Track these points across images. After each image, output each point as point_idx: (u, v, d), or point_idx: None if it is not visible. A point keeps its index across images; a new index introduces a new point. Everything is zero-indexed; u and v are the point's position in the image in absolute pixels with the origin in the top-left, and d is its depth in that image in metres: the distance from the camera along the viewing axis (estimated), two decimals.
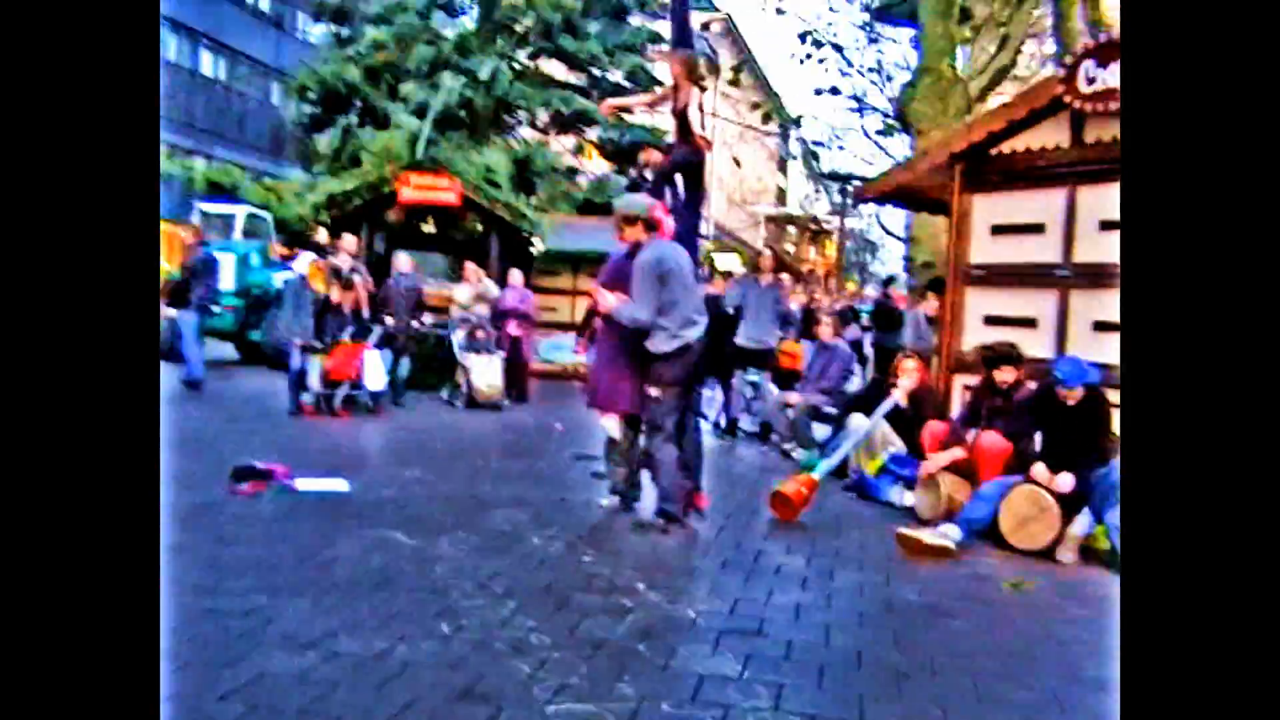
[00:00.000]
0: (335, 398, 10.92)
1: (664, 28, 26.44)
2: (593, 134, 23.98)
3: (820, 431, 9.83)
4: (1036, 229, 7.41)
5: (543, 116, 23.09)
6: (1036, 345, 7.14)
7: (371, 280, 12.33)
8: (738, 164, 33.18)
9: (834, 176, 26.36)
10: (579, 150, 24.46)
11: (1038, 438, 6.42)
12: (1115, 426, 6.39)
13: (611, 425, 6.66)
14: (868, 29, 19.78)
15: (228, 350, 16.64)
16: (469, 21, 22.65)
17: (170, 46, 28.22)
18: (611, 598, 4.65)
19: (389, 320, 12.05)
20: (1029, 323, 7.39)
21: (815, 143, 28.02)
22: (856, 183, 26.86)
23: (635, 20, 24.08)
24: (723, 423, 10.89)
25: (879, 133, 19.37)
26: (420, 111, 19.15)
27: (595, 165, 24.89)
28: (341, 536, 5.47)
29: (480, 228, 14.89)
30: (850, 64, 18.98)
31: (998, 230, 7.71)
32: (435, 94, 19.13)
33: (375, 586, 4.58)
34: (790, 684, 3.70)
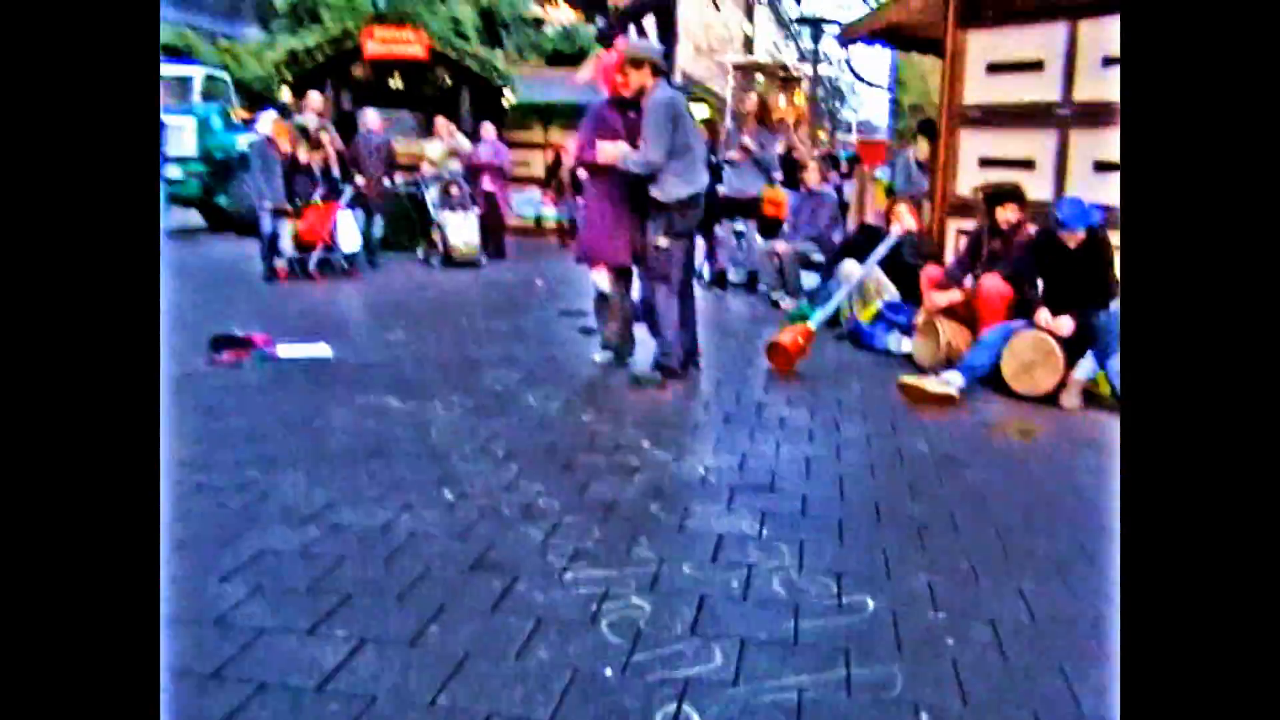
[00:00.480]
0: (309, 261, 10.63)
1: None
2: None
3: (808, 280, 9.66)
4: (1035, 66, 7.08)
5: None
6: (1035, 187, 6.89)
7: (339, 139, 11.88)
8: (716, 7, 32.14)
9: (806, 21, 25.52)
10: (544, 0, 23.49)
11: (1039, 282, 6.26)
12: (1118, 269, 6.25)
13: (602, 279, 6.45)
14: None
15: (194, 217, 16.18)
16: None
17: None
18: (616, 457, 4.51)
19: (360, 180, 11.66)
20: (1027, 164, 7.13)
21: None
22: (831, 26, 26.24)
23: None
24: (709, 274, 10.68)
25: None
26: None
27: (562, 14, 23.99)
28: (330, 404, 5.29)
29: (449, 81, 14.35)
30: None
31: (994, 69, 7.38)
32: None
33: (371, 454, 4.42)
34: (810, 541, 3.58)
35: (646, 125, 5.82)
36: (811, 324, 6.82)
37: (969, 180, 7.57)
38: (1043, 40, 7.03)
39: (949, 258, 7.74)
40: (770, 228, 10.72)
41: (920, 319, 6.82)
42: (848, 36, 9.35)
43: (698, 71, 38.18)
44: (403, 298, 9.59)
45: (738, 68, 26.16)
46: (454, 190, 12.58)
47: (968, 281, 6.87)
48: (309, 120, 11.44)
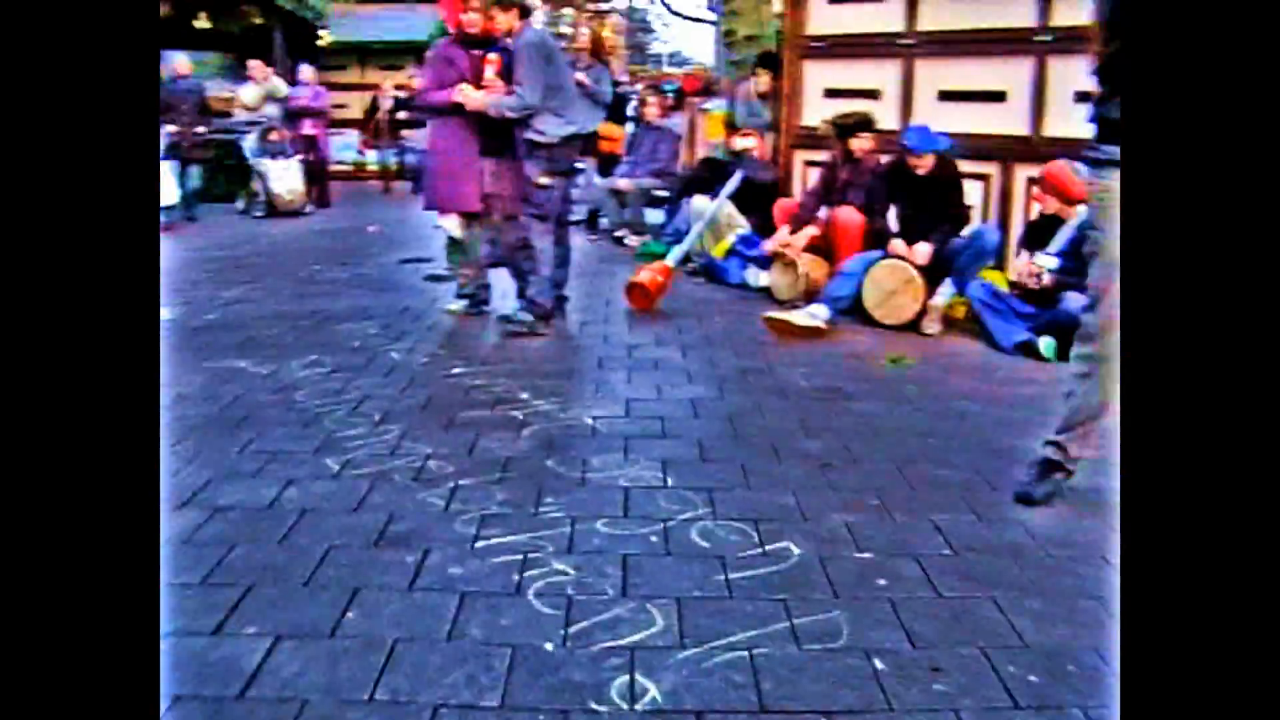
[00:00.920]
0: None
1: None
2: None
3: (652, 216, 9.57)
4: None
5: None
6: (882, 117, 6.93)
7: None
8: None
9: None
10: None
11: (893, 211, 6.33)
12: (968, 195, 6.37)
13: (452, 225, 6.22)
14: None
15: None
16: None
17: None
18: (499, 410, 4.33)
19: (171, 128, 10.92)
20: (872, 94, 7.17)
21: None
22: None
23: None
24: None
25: None
26: None
27: None
28: (180, 370, 4.90)
29: (260, 20, 13.54)
30: None
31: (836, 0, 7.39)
32: None
33: (238, 424, 4.11)
34: (717, 488, 3.50)
35: (521, 67, 5.58)
36: (669, 261, 6.74)
37: (815, 112, 7.57)
38: None
39: (795, 188, 7.76)
40: (607, 164, 10.54)
41: (776, 248, 6.79)
42: None
43: None
44: (230, 251, 9.06)
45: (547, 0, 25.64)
46: (273, 136, 11.94)
47: (822, 212, 6.90)
48: None
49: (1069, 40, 5.85)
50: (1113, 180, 3.12)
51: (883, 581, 2.84)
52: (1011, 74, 6.47)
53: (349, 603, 2.63)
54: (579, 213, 10.54)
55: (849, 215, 6.52)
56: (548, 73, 5.60)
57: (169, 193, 10.44)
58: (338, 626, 2.51)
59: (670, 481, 3.55)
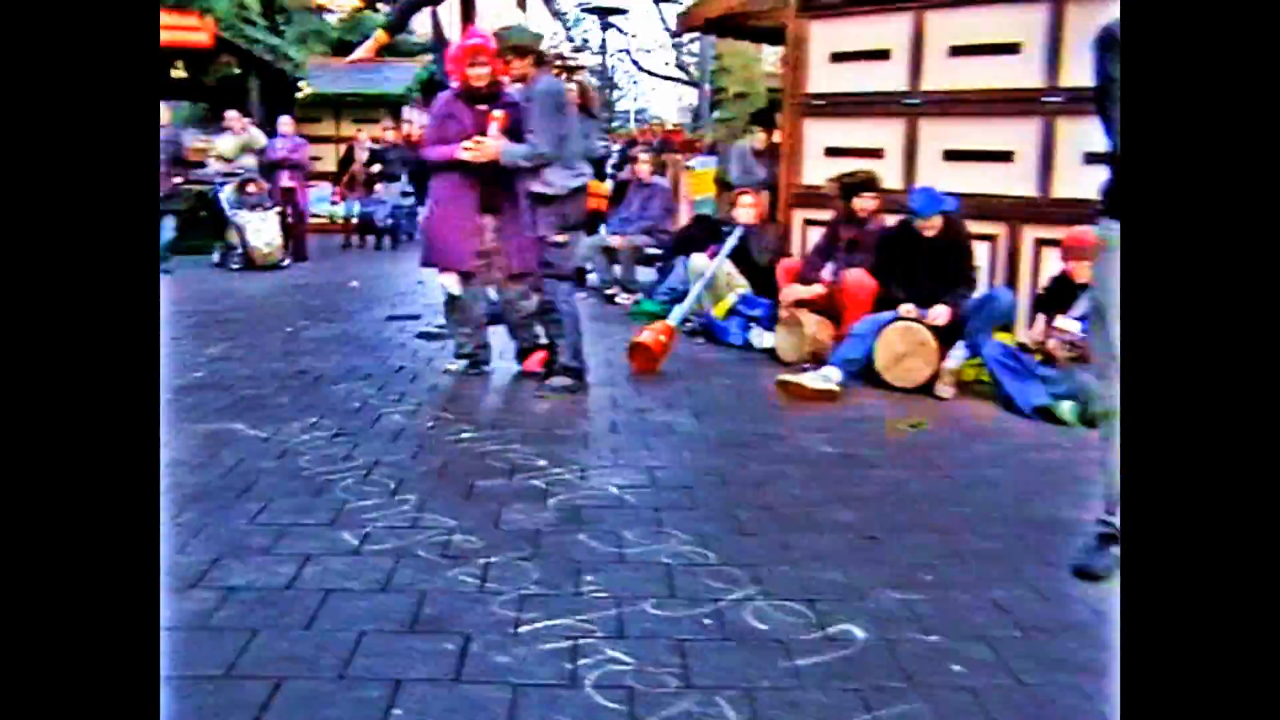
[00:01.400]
0: None
1: None
2: None
3: (643, 274, 9.44)
4: (881, 55, 7.05)
5: None
6: (885, 176, 6.85)
7: None
8: None
9: (594, 10, 25.32)
10: None
11: (899, 273, 6.21)
12: (977, 256, 6.28)
13: (451, 282, 6.01)
14: None
15: None
16: None
17: None
18: (519, 479, 4.12)
19: None
20: (875, 153, 7.09)
21: None
22: (619, 16, 26.17)
23: None
24: None
25: None
26: None
27: (344, 1, 22.96)
28: (172, 433, 4.66)
29: (237, 70, 13.38)
30: None
31: (838, 58, 7.31)
32: None
33: (242, 494, 3.87)
34: (761, 563, 3.31)
35: (534, 117, 5.43)
36: (671, 321, 6.58)
37: (815, 170, 7.48)
38: (888, 30, 6.98)
39: (794, 247, 7.65)
40: (594, 221, 10.41)
41: (783, 313, 6.66)
42: (684, 26, 9.14)
43: None
44: (209, 306, 8.80)
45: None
46: (251, 189, 11.72)
47: (825, 272, 6.78)
48: None
49: (1078, 101, 5.77)
50: (1114, 232, 3.06)
51: (957, 668, 2.65)
52: (1019, 134, 6.42)
53: (392, 699, 2.40)
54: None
55: (857, 276, 6.40)
56: (559, 122, 5.47)
57: None
58: None
59: (712, 557, 3.36)
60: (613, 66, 46.46)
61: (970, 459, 4.67)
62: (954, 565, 3.37)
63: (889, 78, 7.04)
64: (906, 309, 5.98)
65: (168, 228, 11.07)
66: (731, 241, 7.28)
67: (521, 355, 6.09)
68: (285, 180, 12.44)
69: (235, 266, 11.48)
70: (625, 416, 5.21)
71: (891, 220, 6.49)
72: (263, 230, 11.60)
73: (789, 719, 2.37)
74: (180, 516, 3.60)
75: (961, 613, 2.99)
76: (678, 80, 31.95)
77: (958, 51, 6.69)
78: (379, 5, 23.06)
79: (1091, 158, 5.64)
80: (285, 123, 12.67)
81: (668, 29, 28.18)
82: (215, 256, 11.85)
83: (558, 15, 49.20)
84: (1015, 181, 6.46)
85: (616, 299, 9.02)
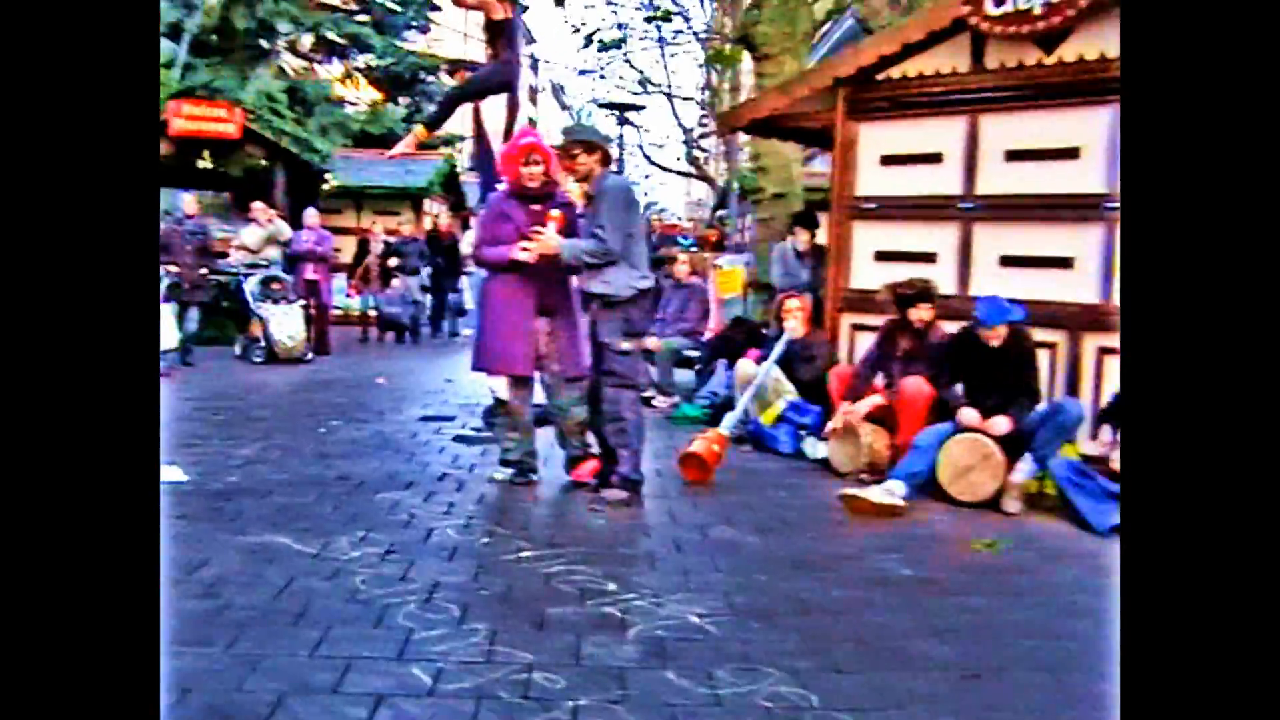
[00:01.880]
0: None
1: None
2: (360, 60, 22.32)
3: (681, 377, 9.25)
4: (933, 159, 6.94)
5: (306, 41, 21.20)
6: (938, 281, 6.69)
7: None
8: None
9: (611, 106, 25.51)
10: (346, 78, 22.66)
11: (960, 383, 6.03)
12: (1042, 365, 6.10)
13: (500, 386, 5.82)
14: None
15: None
16: None
17: None
18: (590, 605, 3.86)
19: (172, 268, 10.59)
20: (928, 258, 6.95)
21: (581, 71, 27.41)
22: (636, 113, 26.40)
23: None
24: None
25: (709, 61, 18.93)
26: (173, 33, 17.11)
27: (364, 94, 23.23)
28: (211, 546, 4.42)
29: (264, 162, 13.37)
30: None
31: (889, 160, 7.20)
32: (190, 13, 17.07)
33: (298, 621, 3.61)
34: (870, 708, 3.05)
35: (604, 212, 5.30)
36: (723, 430, 6.36)
37: (864, 273, 7.34)
38: (941, 133, 6.89)
39: (842, 352, 7.48)
40: None
41: (838, 423, 6.44)
42: (728, 125, 9.07)
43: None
44: (235, 402, 8.60)
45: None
46: (276, 286, 11.61)
47: (878, 380, 6.59)
48: None
49: None
50: None
51: None
52: (1079, 240, 6.27)
53: None
54: None
55: (915, 386, 6.20)
56: (629, 221, 5.33)
57: (169, 336, 10.03)
58: None
59: (814, 700, 3.10)
60: (621, 160, 47.09)
61: (1058, 585, 4.42)
62: (1076, 713, 3.11)
63: (942, 181, 6.92)
64: (970, 417, 5.77)
65: (192, 319, 10.96)
66: (779, 349, 7.08)
67: (571, 464, 5.86)
68: (309, 273, 12.35)
69: (258, 359, 11.32)
70: (687, 534, 4.96)
71: (950, 328, 6.31)
72: (286, 323, 11.47)
73: None
74: (235, 646, 3.34)
75: None
76: (691, 175, 32.13)
77: (1014, 156, 6.58)
78: (400, 99, 23.39)
79: None
80: (311, 215, 12.61)
81: (681, 125, 28.46)
82: (237, 348, 11.71)
83: (566, 108, 49.90)
84: (1076, 288, 6.29)
85: (654, 403, 8.80)
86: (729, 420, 6.57)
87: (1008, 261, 6.62)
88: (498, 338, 5.65)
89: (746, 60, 12.25)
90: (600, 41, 17.80)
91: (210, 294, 11.49)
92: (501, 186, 5.99)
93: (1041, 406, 5.85)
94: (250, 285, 11.55)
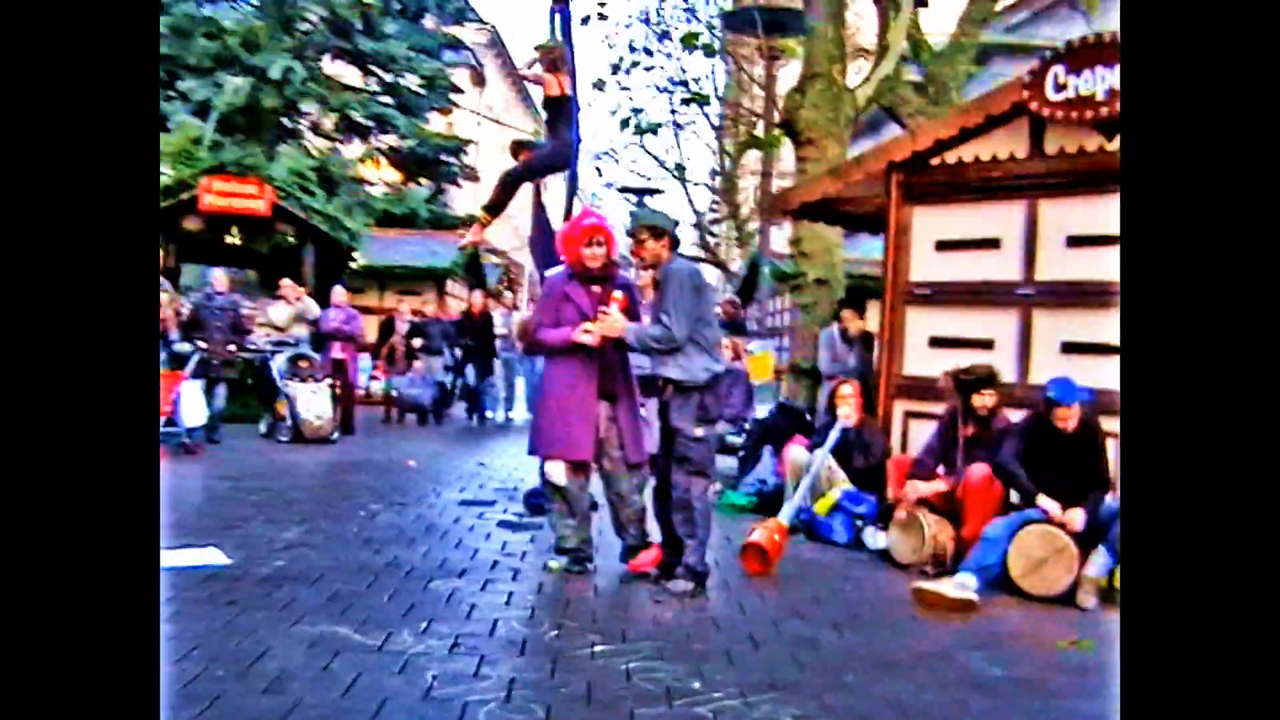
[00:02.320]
0: None
1: (458, 31, 25.25)
2: (384, 141, 22.50)
3: (724, 463, 9.06)
4: (992, 244, 6.86)
5: (329, 121, 21.38)
6: (998, 369, 6.56)
7: (180, 298, 10.71)
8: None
9: (632, 190, 25.64)
10: (366, 158, 22.80)
11: (1025, 472, 5.85)
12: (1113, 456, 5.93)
13: (558, 473, 5.63)
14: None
15: None
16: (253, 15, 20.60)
17: None
18: (680, 706, 3.65)
19: (202, 345, 10.47)
20: (985, 344, 6.82)
21: (597, 155, 27.60)
22: (655, 197, 26.54)
23: (429, 23, 22.79)
24: None
25: (746, 145, 19.10)
26: (201, 111, 17.25)
27: (385, 174, 23.38)
28: (272, 636, 4.23)
29: (292, 239, 13.36)
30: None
31: (944, 245, 7.12)
32: (219, 92, 17.23)
33: None
34: None
35: (670, 297, 5.19)
36: (783, 520, 6.18)
37: (918, 360, 7.21)
38: (999, 218, 6.81)
39: (894, 440, 7.32)
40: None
41: (900, 512, 6.26)
42: (780, 209, 9.02)
43: (499, 240, 37.98)
44: (270, 483, 8.41)
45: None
46: (303, 364, 11.50)
47: (940, 469, 6.42)
48: None
49: None
50: None
51: None
52: None
53: None
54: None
55: (981, 473, 6.03)
56: (697, 306, 5.22)
57: (198, 413, 9.89)
58: None
59: None
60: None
61: None
62: None
63: (999, 267, 6.83)
64: (1049, 505, 5.59)
65: (219, 396, 10.81)
66: (835, 437, 6.91)
67: (629, 553, 5.66)
68: (337, 351, 12.25)
69: (284, 439, 11.15)
70: (761, 630, 4.75)
71: (1014, 416, 6.16)
72: (314, 402, 11.31)
73: None
74: None
75: None
76: (703, 260, 32.24)
77: (1075, 242, 6.49)
78: (421, 179, 23.53)
79: None
80: (339, 293, 12.56)
81: (695, 209, 28.56)
82: (263, 427, 11.55)
83: (575, 193, 50.48)
84: None
85: None
86: (787, 510, 6.39)
87: (1069, 348, 6.49)
88: (559, 421, 5.50)
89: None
90: (637, 125, 17.86)
91: (238, 371, 11.37)
92: (558, 269, 5.90)
93: (1111, 498, 5.68)
94: (278, 363, 11.43)
